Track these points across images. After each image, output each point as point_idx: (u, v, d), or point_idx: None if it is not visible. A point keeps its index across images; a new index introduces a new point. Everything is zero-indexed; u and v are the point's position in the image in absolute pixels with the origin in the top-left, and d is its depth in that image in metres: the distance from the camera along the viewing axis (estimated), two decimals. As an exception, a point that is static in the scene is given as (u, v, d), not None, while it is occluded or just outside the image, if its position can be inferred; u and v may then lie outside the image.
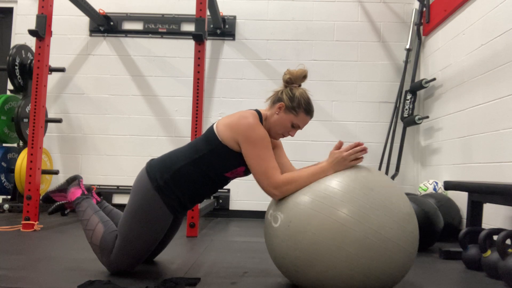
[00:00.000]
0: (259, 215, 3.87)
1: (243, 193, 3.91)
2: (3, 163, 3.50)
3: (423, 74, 3.78)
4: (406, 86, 3.75)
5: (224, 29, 4.00)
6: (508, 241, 2.16)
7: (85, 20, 4.07)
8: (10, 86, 3.67)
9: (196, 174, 1.69)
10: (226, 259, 2.12)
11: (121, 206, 2.01)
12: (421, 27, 3.77)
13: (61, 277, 1.67)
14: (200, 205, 2.86)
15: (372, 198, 1.44)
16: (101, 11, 3.94)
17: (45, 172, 3.38)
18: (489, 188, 2.02)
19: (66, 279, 1.64)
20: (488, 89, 2.63)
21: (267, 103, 1.80)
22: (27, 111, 3.50)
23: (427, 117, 3.58)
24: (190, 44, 3.87)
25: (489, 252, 1.89)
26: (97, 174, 3.96)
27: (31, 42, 3.50)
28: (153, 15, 4.05)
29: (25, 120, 3.46)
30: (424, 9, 3.67)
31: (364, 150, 1.56)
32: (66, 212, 2.00)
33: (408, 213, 1.49)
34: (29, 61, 3.61)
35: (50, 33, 2.99)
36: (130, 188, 3.85)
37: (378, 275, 1.43)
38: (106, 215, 1.83)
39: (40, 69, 2.94)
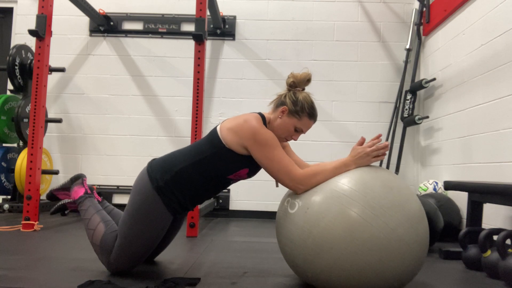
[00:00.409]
0: (259, 215, 3.88)
1: (243, 193, 3.91)
2: (3, 163, 3.50)
3: (423, 74, 3.79)
4: (406, 86, 3.75)
5: (224, 29, 4.00)
6: (508, 241, 2.16)
7: (85, 20, 4.07)
8: (10, 86, 3.67)
9: (197, 176, 1.69)
10: (226, 259, 2.12)
11: (121, 206, 2.01)
12: (421, 27, 3.77)
13: (61, 277, 1.67)
14: (200, 205, 2.86)
15: (391, 196, 1.44)
16: (101, 11, 3.94)
17: (45, 172, 3.38)
18: (489, 188, 2.02)
19: (66, 279, 1.64)
20: (488, 89, 2.63)
21: (270, 106, 1.80)
22: (27, 111, 3.50)
23: (427, 117, 3.58)
24: (190, 44, 3.87)
25: (489, 252, 1.89)
26: (97, 174, 3.96)
27: (31, 42, 3.50)
28: (153, 15, 4.05)
29: (25, 120, 3.46)
30: (424, 9, 3.67)
31: (386, 147, 1.58)
32: (66, 212, 2.00)
33: (420, 215, 1.50)
34: (29, 61, 3.61)
35: (50, 33, 2.99)
36: (130, 188, 3.87)
37: (387, 275, 1.42)
38: (108, 215, 1.83)
39: (40, 69, 2.94)
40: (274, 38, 4.00)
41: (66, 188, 1.97)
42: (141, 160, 3.94)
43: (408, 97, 3.66)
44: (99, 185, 3.91)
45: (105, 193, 3.86)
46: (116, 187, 3.94)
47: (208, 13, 3.24)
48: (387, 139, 3.73)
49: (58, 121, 3.63)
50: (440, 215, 2.54)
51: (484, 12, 2.73)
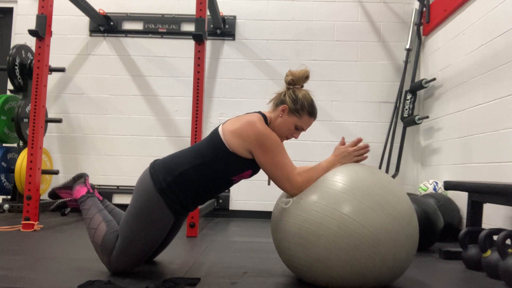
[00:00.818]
0: (259, 215, 3.88)
1: (243, 193, 3.91)
2: (3, 163, 3.50)
3: (423, 74, 3.79)
4: (406, 86, 3.75)
5: (224, 29, 4.00)
6: (508, 241, 2.16)
7: (85, 20, 4.07)
8: (10, 86, 3.67)
9: (199, 178, 1.69)
10: (226, 259, 2.12)
11: (121, 206, 2.02)
12: (421, 27, 3.77)
13: (61, 277, 1.67)
14: (200, 206, 2.86)
15: (375, 195, 1.50)
16: (101, 11, 3.94)
17: (45, 172, 3.38)
18: (489, 188, 2.02)
19: (66, 279, 1.64)
20: (488, 89, 2.63)
21: (270, 105, 1.79)
22: (27, 111, 3.50)
23: (427, 117, 3.58)
24: (190, 44, 3.87)
25: (489, 252, 1.89)
26: (97, 174, 3.96)
27: (31, 42, 3.50)
28: (153, 15, 4.05)
29: (25, 120, 3.46)
30: (424, 9, 3.67)
31: (366, 148, 1.69)
32: (66, 212, 2.00)
33: (410, 213, 1.55)
34: (29, 61, 3.61)
35: (50, 33, 2.99)
36: (130, 188, 3.88)
37: (375, 270, 1.48)
38: (109, 215, 1.83)
39: (40, 69, 2.94)
40: (274, 38, 4.00)
41: (68, 187, 1.98)
42: (141, 160, 3.94)
43: (408, 97, 3.66)
44: (99, 185, 3.91)
45: (105, 193, 3.85)
46: (116, 187, 3.94)
47: (208, 13, 3.24)
48: (387, 139, 3.73)
49: (58, 121, 3.63)
50: (440, 215, 2.54)
51: (484, 12, 2.73)
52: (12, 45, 3.99)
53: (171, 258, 2.07)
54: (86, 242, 2.36)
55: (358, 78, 3.95)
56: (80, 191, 1.90)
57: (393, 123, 3.73)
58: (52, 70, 3.53)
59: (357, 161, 1.69)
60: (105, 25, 4.02)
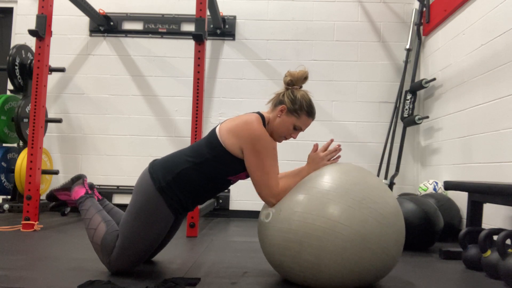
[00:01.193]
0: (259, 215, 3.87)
1: (243, 193, 3.91)
2: (3, 163, 3.50)
3: (423, 74, 3.79)
4: (406, 86, 3.75)
5: (224, 29, 4.00)
6: (508, 241, 2.16)
7: (85, 20, 4.07)
8: (10, 86, 3.67)
9: (198, 178, 1.69)
10: (226, 259, 2.12)
11: (121, 206, 2.02)
12: (421, 27, 3.77)
13: (61, 277, 1.67)
14: (200, 205, 2.86)
15: (352, 192, 1.52)
16: (101, 11, 3.94)
17: (45, 172, 3.38)
18: (489, 188, 2.02)
19: (66, 279, 1.64)
20: (488, 89, 2.63)
21: (268, 105, 1.80)
22: (27, 111, 3.50)
23: (427, 117, 3.58)
24: (190, 44, 3.87)
25: (489, 252, 1.89)
26: (97, 174, 3.96)
27: (31, 42, 3.50)
28: (153, 15, 4.05)
29: (25, 120, 3.46)
30: (424, 9, 3.67)
31: (337, 150, 1.73)
32: (66, 212, 2.00)
33: (396, 212, 1.57)
34: (29, 61, 3.61)
35: (50, 33, 2.99)
36: (130, 188, 3.88)
37: (368, 266, 1.49)
38: (108, 214, 1.83)
39: (40, 69, 2.94)
40: (274, 38, 4.00)
41: (67, 188, 1.98)
42: (141, 160, 3.94)
43: (408, 97, 3.66)
44: (99, 185, 3.91)
45: (105, 193, 3.85)
46: (116, 187, 3.94)
47: (208, 13, 3.24)
48: (387, 139, 3.73)
49: (58, 121, 3.63)
50: (440, 215, 2.54)
51: (484, 12, 2.73)
52: (12, 45, 3.99)
53: (171, 258, 2.07)
54: (86, 242, 2.36)
55: (358, 78, 3.95)
56: (78, 192, 1.90)
57: (393, 123, 3.73)
58: (52, 70, 3.53)
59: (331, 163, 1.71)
60: (105, 25, 4.02)
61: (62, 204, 2.00)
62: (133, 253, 1.69)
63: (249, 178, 1.81)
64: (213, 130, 1.73)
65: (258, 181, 1.65)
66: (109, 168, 3.97)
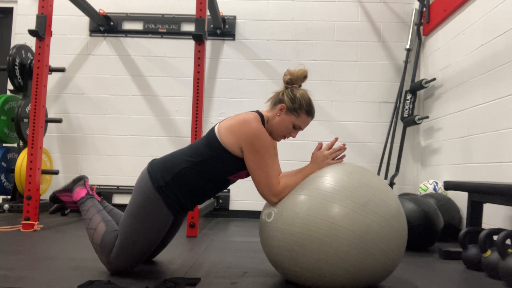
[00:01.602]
0: (259, 215, 3.86)
1: (243, 193, 3.91)
2: (3, 163, 3.50)
3: (423, 74, 3.79)
4: (406, 86, 3.75)
5: (224, 29, 4.00)
6: (508, 241, 2.16)
7: (85, 20, 4.07)
8: (10, 86, 3.67)
9: (197, 177, 1.69)
10: (226, 259, 2.12)
11: (121, 206, 2.01)
12: (421, 27, 3.77)
13: (61, 277, 1.67)
14: (200, 205, 2.86)
15: (356, 196, 1.50)
16: (101, 11, 3.94)
17: (45, 172, 3.38)
18: (489, 188, 2.02)
19: (66, 279, 1.64)
20: (488, 89, 2.63)
21: (268, 104, 1.80)
22: (27, 111, 3.50)
23: (427, 117, 3.58)
24: (190, 44, 3.87)
25: (489, 252, 1.89)
26: (97, 174, 3.96)
27: (31, 42, 3.50)
28: (153, 15, 4.05)
29: (25, 120, 3.46)
30: (424, 9, 3.67)
31: (341, 149, 1.70)
32: (66, 212, 2.00)
33: (397, 212, 1.56)
34: (29, 61, 3.61)
35: (50, 33, 2.99)
36: (130, 188, 3.87)
37: (369, 269, 1.48)
38: (108, 215, 1.83)
39: (40, 69, 2.94)
40: (274, 38, 4.00)
41: (68, 189, 1.98)
42: (141, 160, 3.94)
43: (408, 97, 3.66)
44: (99, 185, 3.91)
45: (105, 193, 3.86)
46: (116, 187, 3.94)
47: (208, 13, 3.24)
48: (387, 139, 3.73)
49: (58, 121, 3.63)
50: (440, 215, 2.54)
51: (484, 12, 2.73)
52: (12, 45, 3.99)
53: (171, 258, 2.07)
54: (86, 242, 2.36)
55: (358, 78, 3.95)
56: (79, 193, 1.91)
57: (393, 123, 3.73)
58: (52, 70, 3.53)
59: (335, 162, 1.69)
60: (105, 25, 4.02)
61: (61, 208, 2.00)
62: (132, 253, 1.69)
63: (249, 178, 1.81)
64: (212, 129, 1.73)
65: (259, 180, 1.65)
66: (109, 168, 3.97)
